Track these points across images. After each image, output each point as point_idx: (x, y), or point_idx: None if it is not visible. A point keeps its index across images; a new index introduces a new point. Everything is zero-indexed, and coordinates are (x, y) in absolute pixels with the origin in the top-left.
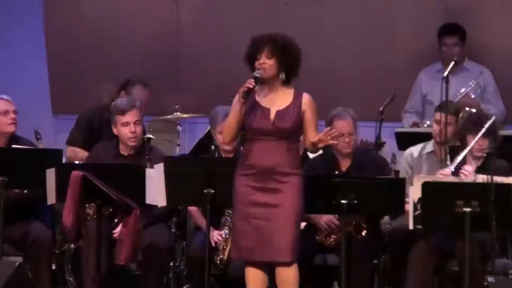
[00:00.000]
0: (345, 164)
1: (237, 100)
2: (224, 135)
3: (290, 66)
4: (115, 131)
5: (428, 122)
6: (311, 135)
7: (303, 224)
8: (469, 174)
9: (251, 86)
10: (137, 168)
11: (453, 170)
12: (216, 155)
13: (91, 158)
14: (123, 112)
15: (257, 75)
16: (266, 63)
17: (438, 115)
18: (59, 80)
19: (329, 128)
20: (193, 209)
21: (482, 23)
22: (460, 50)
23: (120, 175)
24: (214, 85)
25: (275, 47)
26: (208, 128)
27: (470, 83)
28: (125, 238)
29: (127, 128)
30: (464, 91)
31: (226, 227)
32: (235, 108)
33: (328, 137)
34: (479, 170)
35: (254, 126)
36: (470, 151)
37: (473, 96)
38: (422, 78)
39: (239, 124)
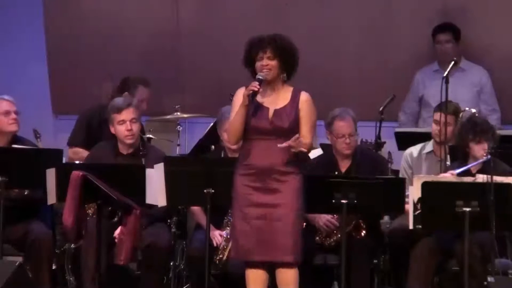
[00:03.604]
0: (344, 165)
1: (241, 103)
2: (230, 137)
3: (290, 65)
4: (112, 130)
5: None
6: (303, 134)
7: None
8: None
9: (256, 89)
10: (137, 168)
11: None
12: (222, 155)
13: (90, 159)
14: (119, 110)
15: (261, 77)
16: (269, 64)
17: (437, 115)
18: (59, 80)
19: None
20: (196, 208)
21: (481, 24)
22: (454, 47)
23: (120, 175)
24: (214, 85)
25: (277, 48)
26: (208, 128)
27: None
28: (125, 238)
29: (123, 126)
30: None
31: (228, 227)
32: (240, 111)
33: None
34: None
35: (252, 125)
36: (474, 157)
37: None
38: (419, 79)
39: (244, 126)
